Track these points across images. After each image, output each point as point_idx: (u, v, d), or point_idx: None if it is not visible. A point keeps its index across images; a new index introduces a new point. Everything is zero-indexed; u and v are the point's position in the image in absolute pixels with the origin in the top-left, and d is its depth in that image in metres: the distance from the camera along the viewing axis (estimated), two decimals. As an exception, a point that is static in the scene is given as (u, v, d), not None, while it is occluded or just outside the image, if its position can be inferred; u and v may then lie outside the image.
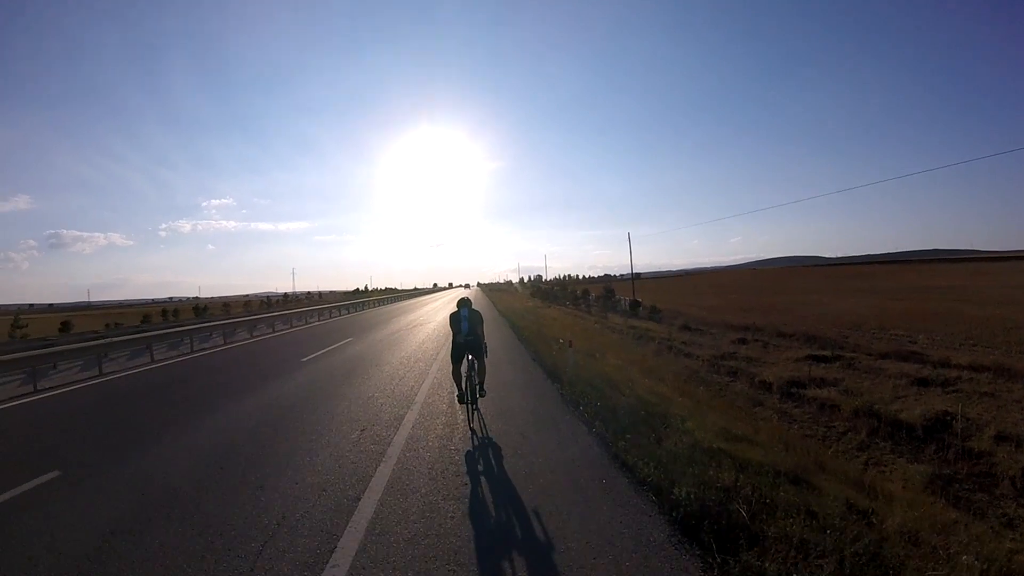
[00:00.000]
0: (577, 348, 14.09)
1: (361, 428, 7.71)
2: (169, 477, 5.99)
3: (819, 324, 34.24)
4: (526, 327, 23.11)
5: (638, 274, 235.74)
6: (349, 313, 41.38)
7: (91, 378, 13.74)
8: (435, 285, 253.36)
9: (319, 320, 33.77)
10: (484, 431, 7.42)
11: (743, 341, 28.38)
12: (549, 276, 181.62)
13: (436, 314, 34.27)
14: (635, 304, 43.44)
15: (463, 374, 7.86)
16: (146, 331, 21.79)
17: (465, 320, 7.91)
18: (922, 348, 23.17)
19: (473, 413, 7.88)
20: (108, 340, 16.66)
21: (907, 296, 49.73)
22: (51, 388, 12.55)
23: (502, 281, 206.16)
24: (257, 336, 24.02)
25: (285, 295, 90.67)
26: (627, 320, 38.06)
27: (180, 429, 8.03)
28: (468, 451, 6.57)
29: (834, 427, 13.64)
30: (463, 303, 8.15)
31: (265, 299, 76.07)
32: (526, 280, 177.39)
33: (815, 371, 20.72)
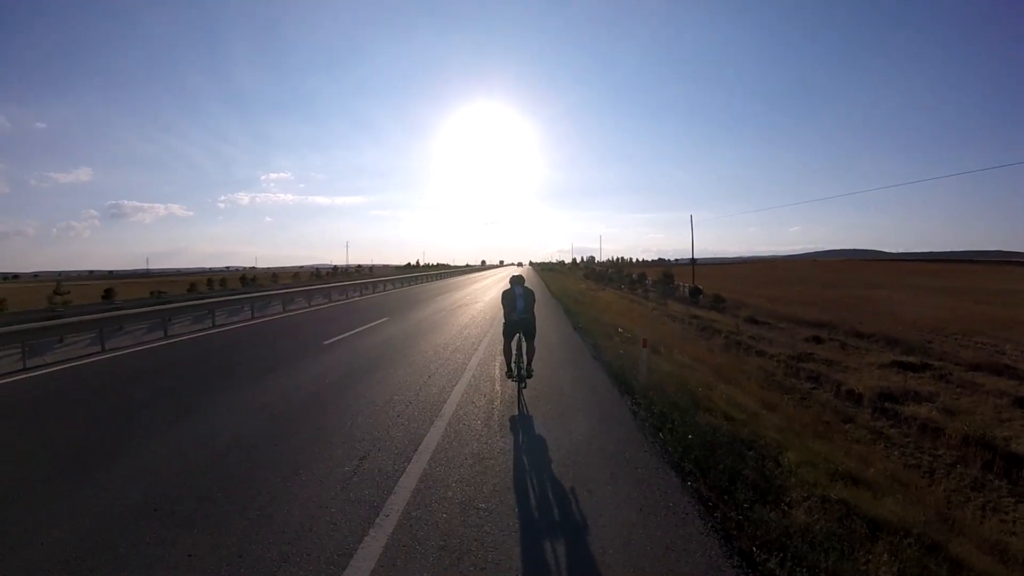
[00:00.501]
0: (637, 339, 13.28)
1: (360, 456, 5.74)
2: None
3: (896, 325, 31.81)
4: (582, 313, 21.67)
5: (695, 259, 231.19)
6: (395, 288, 40.53)
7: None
8: (483, 263, 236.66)
9: (360, 295, 32.87)
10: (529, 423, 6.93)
11: (818, 340, 26.29)
12: (602, 258, 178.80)
13: (484, 293, 33.07)
14: (696, 291, 41.34)
15: (512, 351, 7.98)
16: (165, 303, 20.38)
17: (520, 298, 7.90)
18: (1012, 360, 20.96)
19: (521, 393, 7.98)
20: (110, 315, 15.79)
21: (985, 299, 46.18)
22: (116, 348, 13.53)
23: (554, 261, 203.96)
24: (291, 310, 23.15)
25: (335, 267, 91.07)
26: (688, 308, 36.12)
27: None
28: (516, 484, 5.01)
29: (940, 456, 11.87)
30: (517, 281, 8.19)
31: (315, 271, 76.51)
32: (578, 261, 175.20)
33: (903, 381, 18.92)
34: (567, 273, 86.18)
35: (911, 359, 21.87)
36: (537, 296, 8.99)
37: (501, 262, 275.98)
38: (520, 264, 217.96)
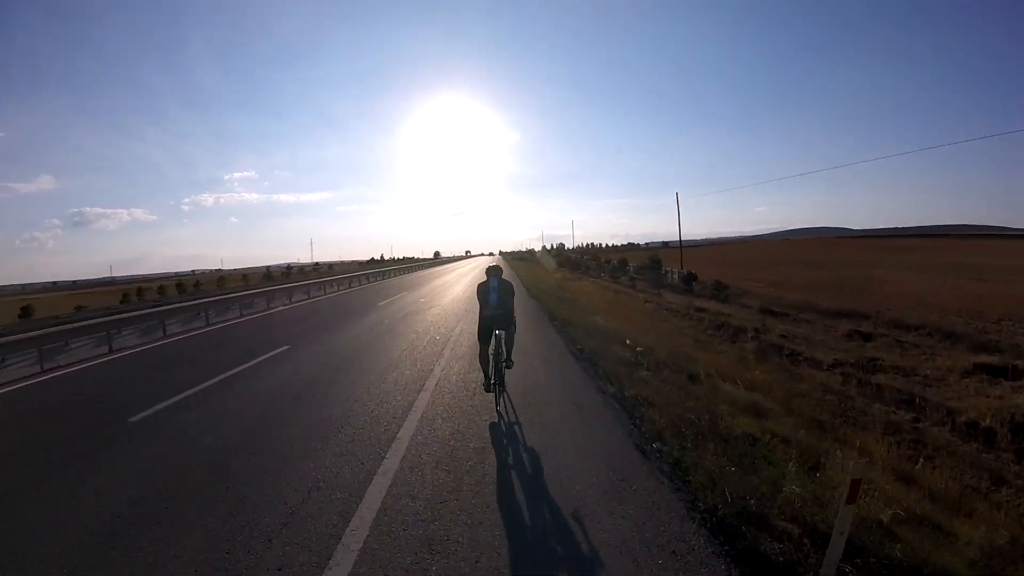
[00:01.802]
0: (654, 352, 10.57)
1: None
2: None
3: (923, 310, 27.25)
4: (570, 316, 16.03)
5: (664, 242, 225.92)
6: (345, 288, 34.58)
7: None
8: (436, 254, 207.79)
9: (305, 297, 26.98)
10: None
11: (865, 337, 21.31)
12: (574, 244, 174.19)
13: (445, 292, 27.36)
14: (689, 278, 36.12)
15: (491, 354, 6.84)
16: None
17: (494, 292, 7.04)
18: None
19: (501, 395, 6.97)
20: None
21: (984, 276, 43.03)
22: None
23: (523, 250, 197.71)
24: (190, 330, 17.32)
25: (289, 266, 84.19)
26: (686, 299, 30.89)
27: None
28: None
29: None
30: (493, 272, 7.32)
31: (267, 272, 70.20)
32: (547, 248, 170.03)
33: (1004, 394, 14.09)
34: (538, 262, 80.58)
35: (993, 360, 17.03)
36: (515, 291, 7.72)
37: (467, 252, 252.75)
38: (491, 254, 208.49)
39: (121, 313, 19.35)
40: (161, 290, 44.92)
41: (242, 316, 19.69)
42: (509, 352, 7.22)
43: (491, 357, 6.84)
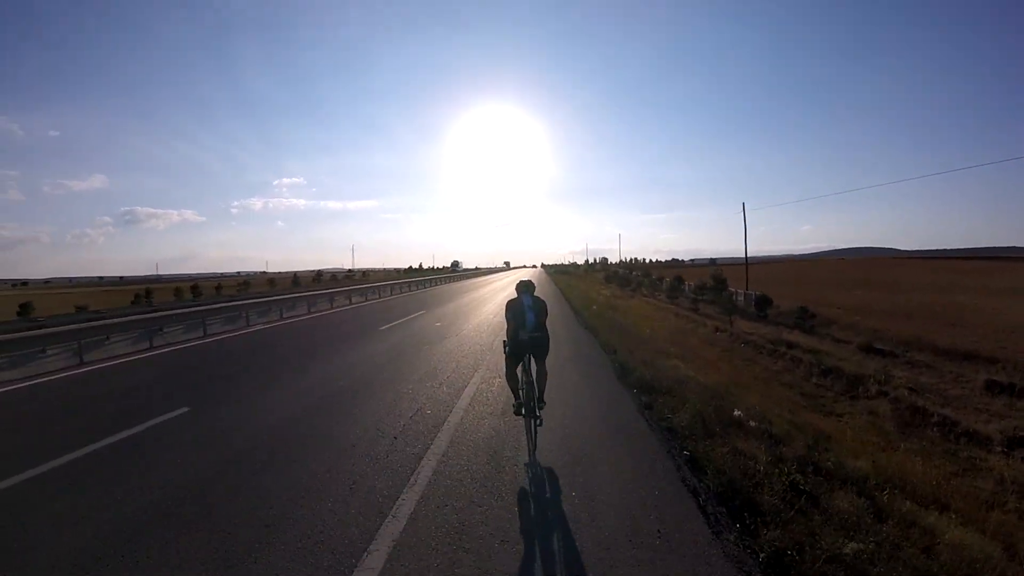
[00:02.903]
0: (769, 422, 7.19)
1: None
2: None
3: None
4: (630, 353, 11.73)
5: (712, 259, 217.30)
6: (367, 300, 30.65)
7: None
8: (455, 264, 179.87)
9: (298, 315, 23.08)
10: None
11: (1008, 390, 16.29)
12: (620, 259, 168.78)
13: (472, 313, 22.85)
14: (763, 302, 31.04)
15: (519, 376, 5.97)
16: None
17: (530, 311, 5.94)
18: None
19: (536, 430, 5.79)
20: None
21: None
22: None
23: (567, 263, 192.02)
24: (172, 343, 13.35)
25: (318, 273, 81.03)
26: (764, 328, 26.00)
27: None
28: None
29: None
30: (524, 288, 6.22)
31: (294, 278, 67.38)
32: (591, 262, 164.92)
33: None
34: (583, 276, 75.84)
35: None
36: (555, 314, 8.61)
37: (507, 264, 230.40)
38: (534, 267, 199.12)
39: (94, 320, 15.76)
40: (178, 292, 41.88)
41: (204, 336, 15.59)
42: (542, 390, 6.02)
43: (519, 376, 5.94)
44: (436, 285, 48.16)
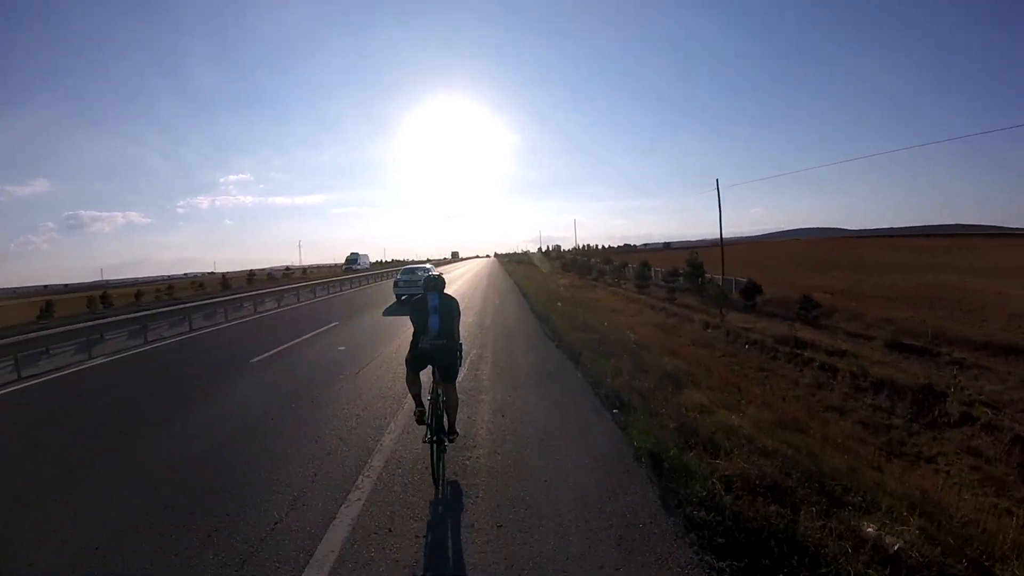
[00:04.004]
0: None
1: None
2: None
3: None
4: (619, 376, 6.98)
5: (666, 243, 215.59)
6: (295, 302, 25.13)
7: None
8: (426, 260, 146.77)
9: (154, 339, 17.59)
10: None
11: None
12: (566, 247, 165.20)
13: (398, 326, 17.15)
14: (751, 290, 26.65)
15: (421, 381, 5.06)
16: None
17: (434, 313, 4.91)
18: None
19: (439, 458, 4.74)
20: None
21: None
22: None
23: (520, 251, 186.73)
24: None
25: (251, 273, 73.96)
26: (760, 321, 21.62)
27: None
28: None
29: None
30: (433, 285, 5.10)
31: (222, 279, 60.84)
32: (544, 250, 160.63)
33: None
34: (538, 265, 71.12)
35: None
36: (513, 318, 9.41)
37: (455, 255, 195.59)
38: (487, 256, 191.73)
39: None
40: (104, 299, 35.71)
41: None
42: (452, 420, 5.06)
43: (420, 381, 5.04)
44: (373, 282, 42.50)
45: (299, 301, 25.94)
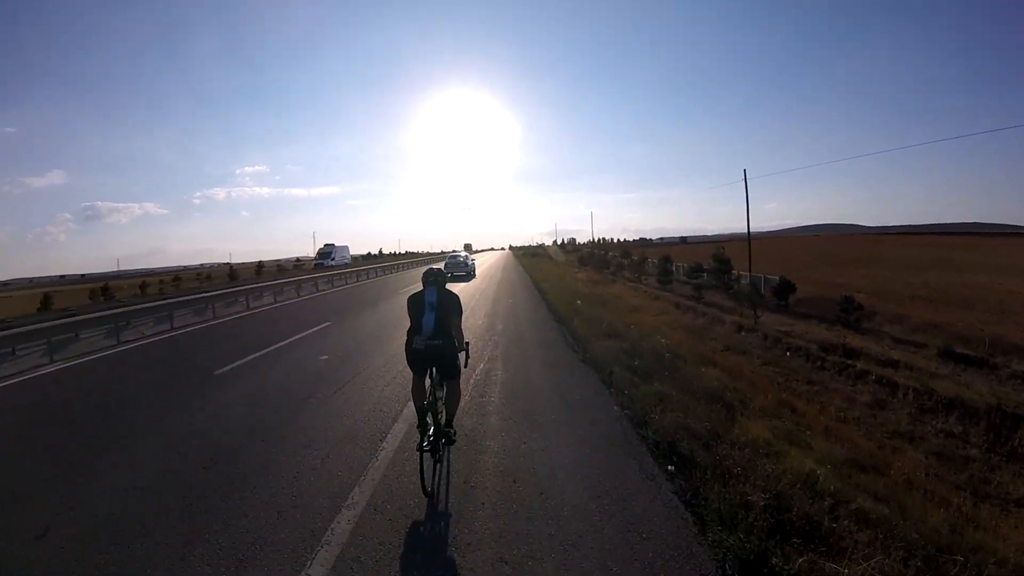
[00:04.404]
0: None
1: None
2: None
3: None
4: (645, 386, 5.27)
5: (683, 237, 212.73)
6: (295, 297, 24.08)
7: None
8: (418, 252, 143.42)
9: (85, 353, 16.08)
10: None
11: None
12: (582, 240, 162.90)
13: (384, 340, 15.42)
14: (784, 289, 24.73)
15: (426, 391, 4.63)
16: None
17: (430, 310, 4.55)
18: None
19: (436, 467, 4.59)
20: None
21: None
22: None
23: (535, 244, 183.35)
24: None
25: (259, 264, 72.85)
26: (798, 324, 19.73)
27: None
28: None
29: None
30: (432, 279, 4.73)
31: (202, 271, 60.79)
32: (559, 243, 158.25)
33: None
34: (553, 258, 69.07)
35: None
36: (526, 320, 8.37)
37: (468, 247, 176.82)
38: (503, 249, 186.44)
39: None
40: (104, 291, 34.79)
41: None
42: (451, 416, 4.86)
43: (426, 400, 4.50)
44: (380, 276, 40.88)
45: (299, 295, 24.40)
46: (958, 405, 11.92)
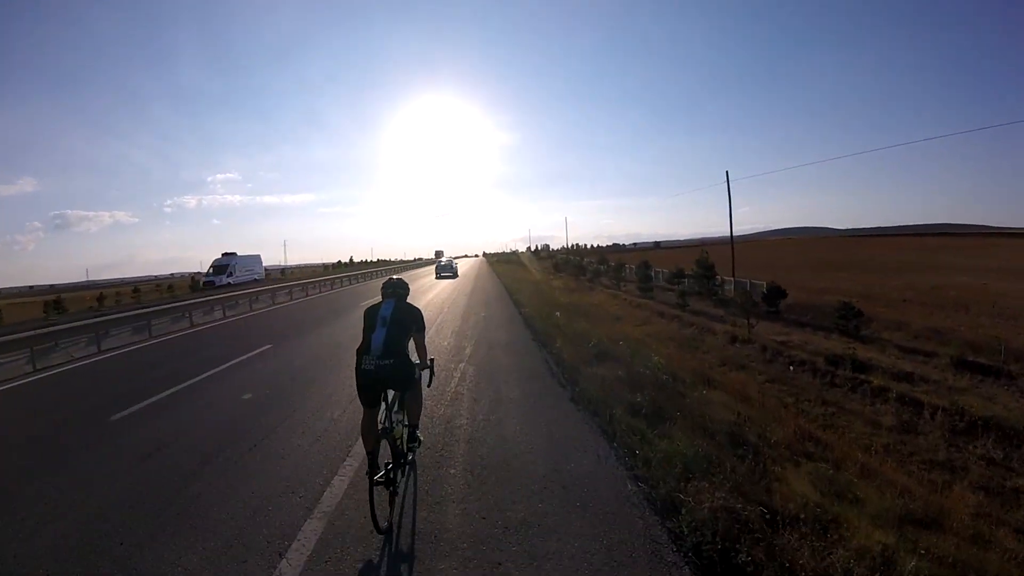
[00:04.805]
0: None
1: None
2: None
3: None
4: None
5: (656, 243, 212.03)
6: (248, 311, 21.83)
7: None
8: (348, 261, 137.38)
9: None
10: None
11: None
12: (555, 246, 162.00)
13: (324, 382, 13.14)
14: (774, 295, 23.32)
15: (378, 425, 4.10)
16: None
17: (382, 325, 4.04)
18: None
19: (393, 500, 4.01)
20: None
21: None
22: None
23: (508, 251, 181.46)
24: None
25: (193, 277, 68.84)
26: (790, 332, 18.24)
27: None
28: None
29: None
30: (390, 291, 4.33)
31: (190, 279, 57.07)
32: (533, 249, 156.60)
33: None
34: (527, 265, 67.37)
35: None
36: (506, 331, 7.55)
37: (439, 254, 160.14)
38: (476, 256, 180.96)
39: None
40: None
41: None
42: (414, 425, 4.46)
43: (378, 431, 4.03)
44: (344, 285, 38.72)
45: (251, 310, 22.28)
46: (992, 426, 10.50)
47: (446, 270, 45.50)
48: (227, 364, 10.51)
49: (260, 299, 24.63)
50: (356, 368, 4.05)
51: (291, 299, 27.21)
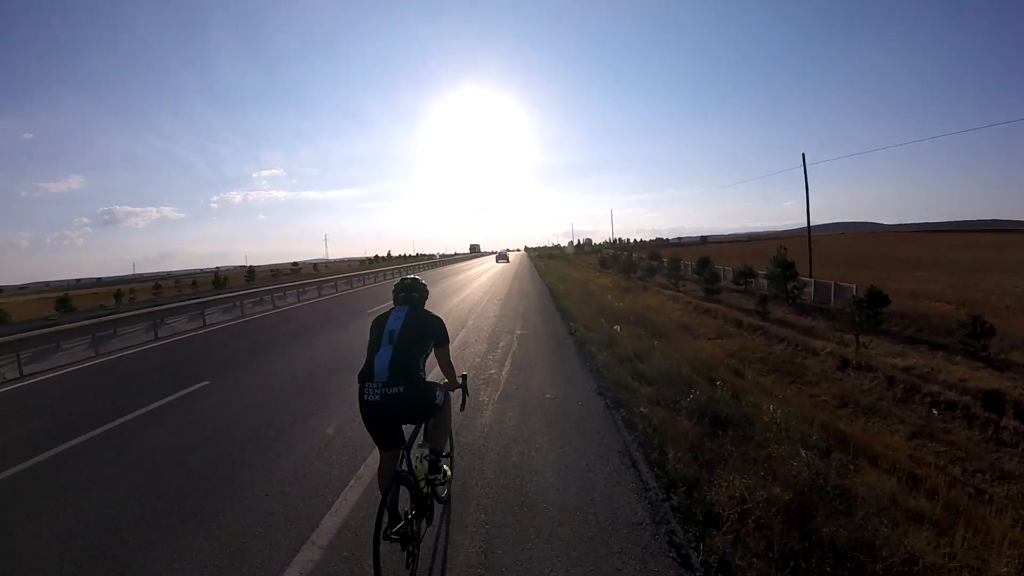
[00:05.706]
0: None
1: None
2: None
3: None
4: None
5: (703, 237, 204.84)
6: (269, 309, 19.40)
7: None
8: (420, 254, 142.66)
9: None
10: None
11: None
12: (597, 240, 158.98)
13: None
14: (875, 301, 19.41)
15: (390, 469, 3.16)
16: None
17: (389, 341, 3.14)
18: None
19: (409, 560, 3.00)
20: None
21: None
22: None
23: (550, 245, 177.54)
24: None
25: (249, 270, 70.22)
26: (909, 354, 14.51)
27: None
28: None
29: None
30: (403, 294, 3.45)
31: (215, 276, 58.40)
32: (575, 244, 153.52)
33: None
34: (571, 260, 63.68)
35: None
36: (549, 358, 5.83)
37: (474, 248, 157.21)
38: (518, 250, 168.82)
39: None
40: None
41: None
42: (439, 452, 3.38)
43: (402, 472, 3.08)
44: (377, 282, 35.87)
45: (274, 306, 20.27)
46: None
47: (502, 257, 68.70)
48: (181, 392, 7.45)
49: (271, 298, 22.43)
50: (359, 399, 3.11)
51: (300, 300, 24.43)
